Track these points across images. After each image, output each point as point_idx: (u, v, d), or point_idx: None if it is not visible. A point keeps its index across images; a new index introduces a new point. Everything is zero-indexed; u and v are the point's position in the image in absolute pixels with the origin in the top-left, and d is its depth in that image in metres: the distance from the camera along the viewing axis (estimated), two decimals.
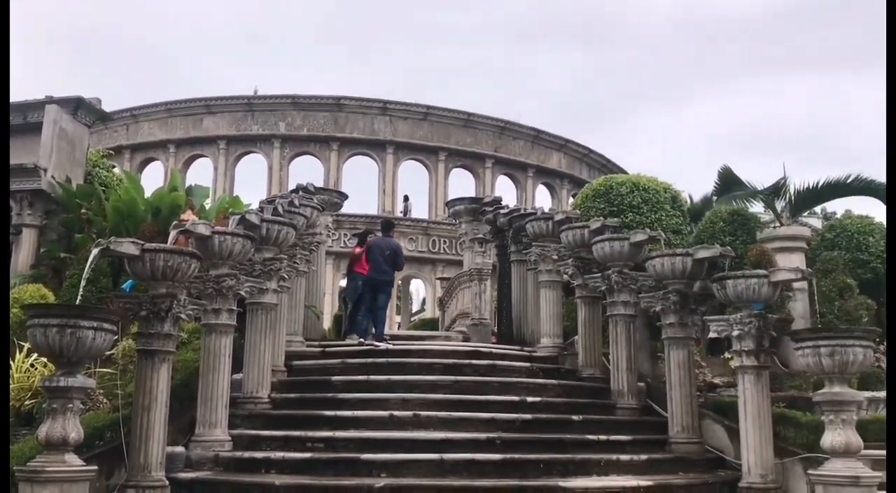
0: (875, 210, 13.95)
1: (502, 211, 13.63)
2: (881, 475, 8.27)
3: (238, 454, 8.24)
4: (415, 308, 41.76)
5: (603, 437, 9.05)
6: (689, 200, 16.05)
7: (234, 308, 8.54)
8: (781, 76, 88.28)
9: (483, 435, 8.52)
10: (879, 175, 14.42)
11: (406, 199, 34.25)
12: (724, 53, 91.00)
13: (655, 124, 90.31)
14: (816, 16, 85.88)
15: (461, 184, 34.87)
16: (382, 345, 11.39)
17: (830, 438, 8.10)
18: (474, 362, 10.52)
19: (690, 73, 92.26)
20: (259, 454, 8.23)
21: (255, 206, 10.94)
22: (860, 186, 14.05)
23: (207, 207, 13.19)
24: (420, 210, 34.18)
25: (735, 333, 8.94)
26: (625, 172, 18.07)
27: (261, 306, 9.34)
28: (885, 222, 12.99)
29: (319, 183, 15.65)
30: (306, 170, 33.15)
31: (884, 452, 8.91)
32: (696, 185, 42.06)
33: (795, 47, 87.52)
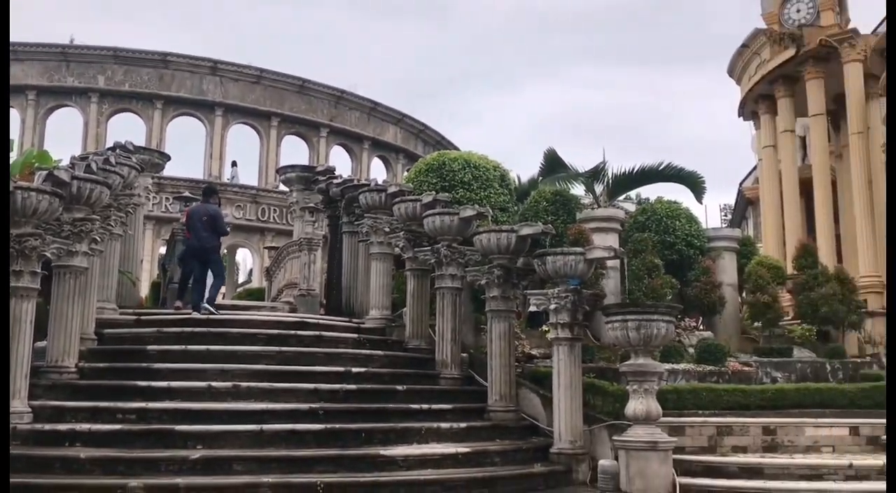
0: (682, 196, 15.02)
1: (335, 181, 13.46)
2: (676, 440, 9.02)
3: (39, 426, 7.67)
4: (241, 279, 40.58)
5: (425, 406, 9.22)
6: (517, 180, 16.55)
7: (38, 271, 7.89)
8: (609, 67, 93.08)
9: (305, 406, 8.43)
10: (689, 164, 15.59)
11: (234, 164, 33.00)
12: (559, 42, 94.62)
13: (490, 105, 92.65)
14: (645, 12, 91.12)
15: (294, 152, 34.10)
16: (202, 314, 10.95)
17: (633, 406, 8.72)
18: (300, 332, 10.37)
19: (526, 59, 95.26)
20: (63, 427, 7.70)
21: (66, 162, 10.11)
22: (671, 174, 15.10)
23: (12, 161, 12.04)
24: (249, 177, 33.12)
25: (552, 306, 9.38)
26: (458, 150, 18.41)
27: (69, 270, 8.68)
28: (689, 208, 14.03)
29: (141, 143, 14.75)
30: (127, 128, 31.17)
31: (681, 419, 9.74)
32: (525, 166, 43.74)
33: (623, 40, 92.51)
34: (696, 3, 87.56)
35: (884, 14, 22.44)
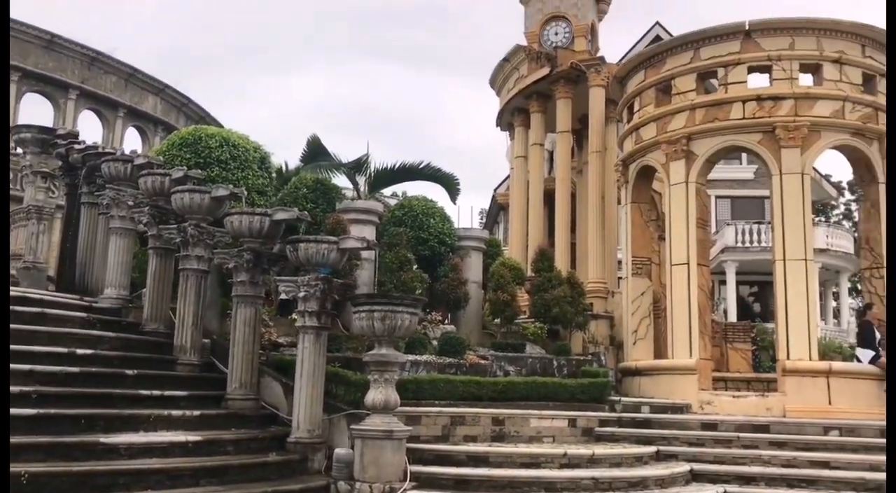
0: (438, 195, 15.60)
1: (77, 146, 12.34)
2: (412, 429, 9.31)
3: None
4: None
5: (157, 392, 8.74)
6: (285, 166, 16.24)
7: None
8: (386, 65, 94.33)
9: (17, 389, 7.62)
10: (453, 167, 16.19)
11: None
12: (340, 31, 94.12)
13: (263, 86, 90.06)
14: (431, 19, 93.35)
15: (38, 113, 30.85)
16: None
17: (373, 395, 8.87)
18: (19, 308, 9.36)
19: (305, 44, 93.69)
20: None
21: None
22: (429, 173, 15.61)
23: None
24: None
25: (301, 294, 9.30)
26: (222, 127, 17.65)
27: None
28: (444, 208, 14.59)
29: None
30: None
31: (418, 408, 10.07)
32: (294, 153, 42.91)
33: (404, 41, 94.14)
34: (476, 14, 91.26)
35: (627, 47, 24.84)
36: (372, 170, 15.10)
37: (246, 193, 11.00)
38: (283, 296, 10.34)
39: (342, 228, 11.77)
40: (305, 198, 13.01)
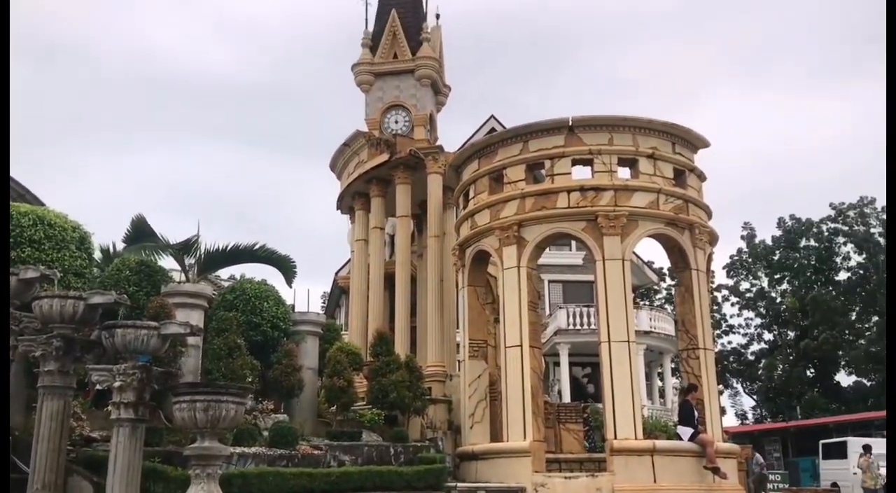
0: (274, 279, 15.21)
1: None
2: None
3: None
4: None
5: None
6: (112, 247, 15.37)
7: None
8: (227, 146, 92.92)
9: None
10: (289, 248, 15.91)
11: None
12: (181, 109, 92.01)
13: (94, 162, 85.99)
14: (275, 100, 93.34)
15: None
16: None
17: (193, 491, 8.28)
18: None
19: (145, 119, 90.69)
20: None
21: None
22: (264, 255, 15.26)
23: None
24: None
25: (117, 384, 8.66)
26: (44, 205, 16.42)
27: None
28: (279, 291, 14.26)
29: None
30: None
31: None
32: (120, 233, 40.77)
33: (247, 123, 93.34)
34: (319, 97, 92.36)
35: (465, 137, 25.87)
36: (202, 251, 14.57)
37: (60, 274, 10.29)
38: (98, 386, 9.60)
39: (166, 312, 11.20)
40: (128, 280, 12.34)
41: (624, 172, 14.67)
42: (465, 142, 23.82)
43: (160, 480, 9.11)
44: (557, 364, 29.30)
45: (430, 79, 20.64)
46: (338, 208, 21.83)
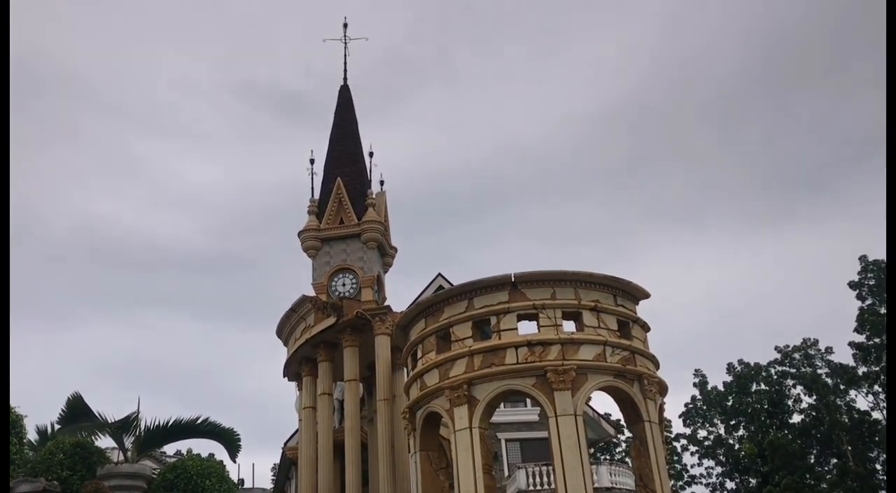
0: (219, 452, 14.57)
1: None
2: None
3: None
4: None
5: None
6: (50, 428, 14.70)
7: None
8: (176, 316, 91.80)
9: None
10: (230, 418, 15.41)
11: None
12: (127, 280, 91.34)
13: (31, 343, 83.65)
14: (220, 265, 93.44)
15: None
16: None
17: None
18: None
19: (84, 295, 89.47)
20: None
21: None
22: (207, 429, 14.69)
23: None
24: None
25: None
26: None
27: None
28: (224, 464, 13.63)
29: None
30: None
31: None
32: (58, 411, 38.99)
33: (194, 290, 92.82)
34: (267, 264, 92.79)
35: (413, 296, 26.00)
36: (143, 428, 13.97)
37: None
38: None
39: None
40: (61, 464, 11.73)
41: (570, 326, 14.82)
42: (414, 300, 23.91)
43: None
44: None
45: (377, 242, 21.01)
46: (285, 376, 21.38)
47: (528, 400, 30.55)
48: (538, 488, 27.97)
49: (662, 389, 15.40)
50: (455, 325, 15.04)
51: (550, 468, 27.52)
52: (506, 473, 29.10)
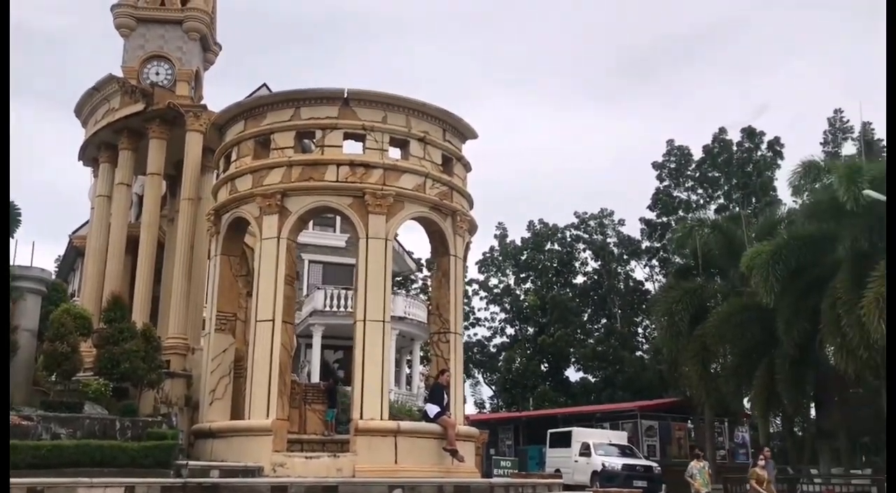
0: None
1: None
2: None
3: None
4: None
5: None
6: None
7: None
8: None
9: None
10: (23, 203, 13.97)
11: None
12: None
13: None
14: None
15: None
16: None
17: None
18: None
19: None
20: None
21: None
22: None
23: None
24: None
25: None
26: None
27: None
28: None
29: None
30: None
31: None
32: None
33: None
34: (72, 42, 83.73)
35: (227, 102, 24.45)
36: None
37: None
38: None
39: None
40: None
41: (395, 153, 14.54)
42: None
43: None
44: (310, 346, 28.81)
45: (200, 33, 19.26)
46: (80, 159, 19.69)
47: (338, 226, 30.68)
48: (333, 309, 28.60)
49: (472, 227, 15.73)
50: (277, 132, 14.27)
51: (349, 292, 28.22)
52: (304, 292, 29.38)
